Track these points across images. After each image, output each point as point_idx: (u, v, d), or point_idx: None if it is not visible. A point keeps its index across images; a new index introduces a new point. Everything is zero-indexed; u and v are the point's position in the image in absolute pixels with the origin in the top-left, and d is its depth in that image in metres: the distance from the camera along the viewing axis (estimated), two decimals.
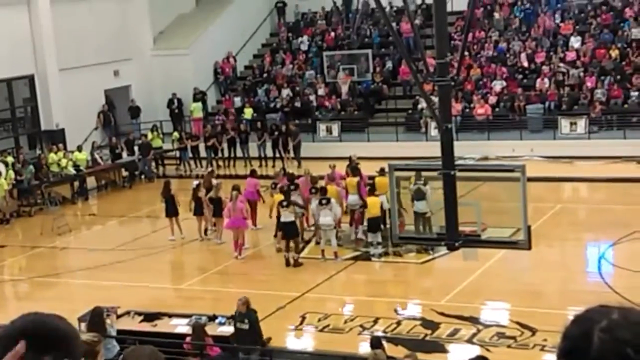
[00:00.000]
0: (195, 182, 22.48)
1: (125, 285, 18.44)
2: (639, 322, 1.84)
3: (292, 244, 19.47)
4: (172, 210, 21.87)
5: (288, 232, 19.43)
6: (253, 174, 23.47)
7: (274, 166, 28.69)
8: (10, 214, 25.71)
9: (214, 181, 22.55)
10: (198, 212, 21.68)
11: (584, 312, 1.89)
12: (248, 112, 32.88)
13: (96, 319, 13.04)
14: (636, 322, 1.84)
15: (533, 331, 14.53)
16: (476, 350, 14.24)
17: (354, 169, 21.49)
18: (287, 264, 19.23)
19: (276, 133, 30.07)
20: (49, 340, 2.01)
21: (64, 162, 28.03)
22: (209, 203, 21.37)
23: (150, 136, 31.04)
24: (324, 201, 19.64)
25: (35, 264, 21.06)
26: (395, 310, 16.12)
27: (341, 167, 22.37)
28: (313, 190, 20.34)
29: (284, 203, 19.62)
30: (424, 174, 19.33)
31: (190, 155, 30.99)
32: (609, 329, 1.80)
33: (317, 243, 20.38)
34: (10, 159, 27.25)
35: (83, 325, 13.13)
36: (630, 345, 1.77)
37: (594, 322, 1.82)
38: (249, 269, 19.33)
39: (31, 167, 27.27)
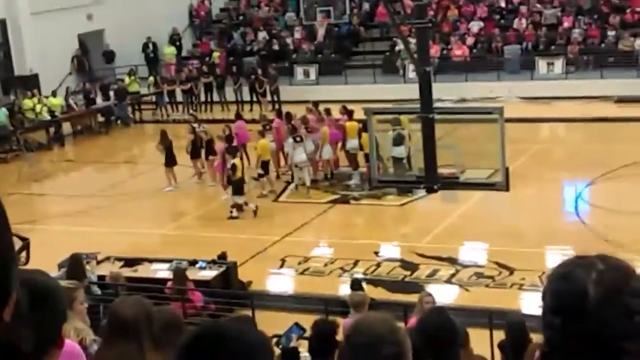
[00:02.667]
0: (195, 125, 22.25)
1: (105, 231, 18.36)
2: (623, 268, 1.86)
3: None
4: (172, 160, 21.41)
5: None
6: (240, 116, 23.46)
7: (251, 110, 28.53)
8: None
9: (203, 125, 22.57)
10: (196, 155, 21.54)
11: (566, 267, 1.88)
12: (215, 56, 32.55)
13: (75, 265, 12.98)
14: (621, 267, 1.85)
15: (511, 270, 14.69)
16: (455, 290, 14.43)
17: (349, 112, 21.33)
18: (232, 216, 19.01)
19: (253, 77, 29.85)
20: (39, 298, 2.00)
21: (38, 107, 27.72)
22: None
23: (127, 80, 30.73)
24: (297, 138, 19.77)
25: (12, 211, 20.65)
26: (375, 253, 16.23)
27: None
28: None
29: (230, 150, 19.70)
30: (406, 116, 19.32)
31: (167, 100, 30.75)
32: (600, 280, 1.80)
33: (288, 183, 20.60)
34: None
35: (63, 271, 13.11)
36: (625, 292, 1.79)
37: (584, 276, 1.82)
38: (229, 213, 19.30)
39: (4, 109, 26.95)
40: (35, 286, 2.05)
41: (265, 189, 20.24)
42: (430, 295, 10.41)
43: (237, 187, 18.85)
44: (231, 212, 18.75)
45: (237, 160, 19.11)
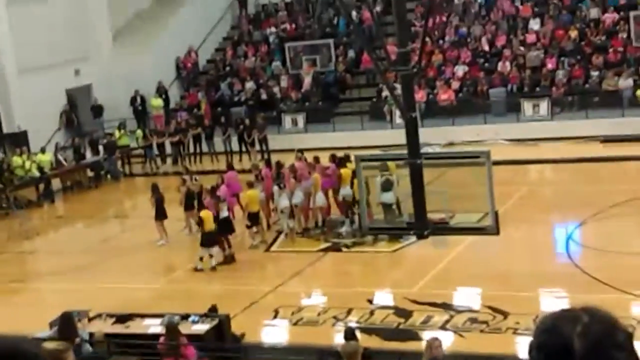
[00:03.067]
0: (186, 177, 22.25)
1: (97, 287, 18.27)
2: (609, 320, 1.87)
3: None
4: (162, 213, 21.25)
5: (224, 228, 19.32)
6: (231, 167, 23.49)
7: (240, 160, 28.60)
8: None
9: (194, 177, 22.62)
10: (189, 207, 21.44)
11: (552, 321, 1.89)
12: (203, 107, 32.71)
13: (66, 324, 12.89)
14: (606, 321, 1.87)
15: (505, 315, 14.64)
16: (450, 337, 14.36)
17: (341, 160, 21.39)
18: (226, 261, 19.10)
19: (241, 127, 29.96)
20: None
21: (27, 164, 27.69)
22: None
23: (117, 134, 30.78)
24: (281, 185, 19.99)
25: (3, 270, 20.80)
26: (369, 300, 16.17)
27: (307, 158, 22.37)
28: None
29: (221, 198, 19.67)
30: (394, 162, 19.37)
31: (156, 152, 30.79)
32: (585, 333, 1.82)
33: (279, 233, 20.59)
34: None
35: (54, 330, 13.01)
36: (610, 345, 1.81)
37: (569, 330, 1.83)
38: (220, 265, 19.23)
39: None
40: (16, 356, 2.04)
41: (255, 240, 20.21)
42: (438, 339, 10.39)
43: (205, 239, 18.82)
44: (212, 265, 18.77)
45: (204, 213, 19.04)
